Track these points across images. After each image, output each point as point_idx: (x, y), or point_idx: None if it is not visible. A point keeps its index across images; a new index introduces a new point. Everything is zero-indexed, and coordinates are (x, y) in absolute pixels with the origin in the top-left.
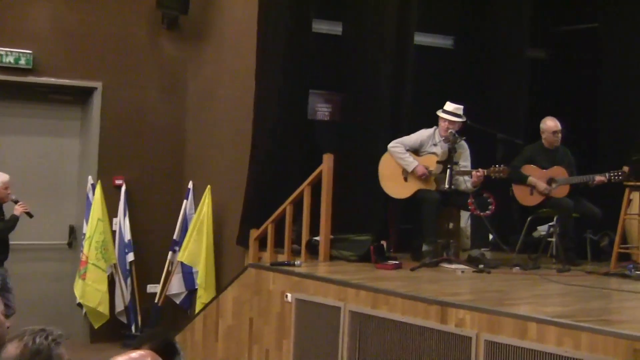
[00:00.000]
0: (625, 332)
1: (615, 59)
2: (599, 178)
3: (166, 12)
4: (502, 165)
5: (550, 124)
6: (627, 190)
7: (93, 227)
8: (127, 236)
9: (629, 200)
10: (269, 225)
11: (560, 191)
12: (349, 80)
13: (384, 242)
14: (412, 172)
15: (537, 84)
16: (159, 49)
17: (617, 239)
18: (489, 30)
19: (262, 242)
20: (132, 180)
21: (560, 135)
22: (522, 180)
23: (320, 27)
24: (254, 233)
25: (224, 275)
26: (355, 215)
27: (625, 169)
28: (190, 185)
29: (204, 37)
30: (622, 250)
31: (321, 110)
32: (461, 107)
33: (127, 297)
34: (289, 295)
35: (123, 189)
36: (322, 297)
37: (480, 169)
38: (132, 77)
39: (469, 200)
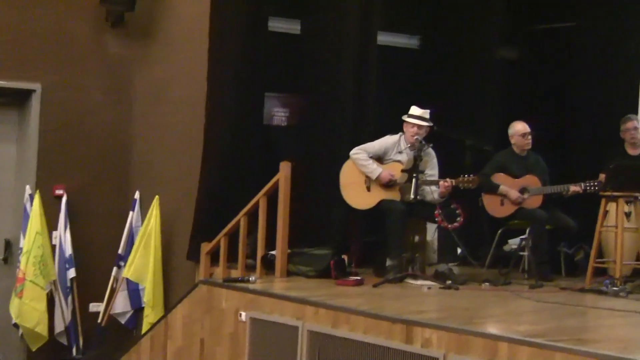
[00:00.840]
0: (601, 352)
1: (592, 60)
2: (573, 188)
3: (111, 8)
4: (471, 175)
5: (518, 127)
6: (603, 201)
7: (31, 241)
8: (68, 251)
9: (606, 212)
10: (221, 239)
11: (533, 201)
12: (307, 82)
13: (344, 257)
14: (377, 179)
15: (509, 87)
16: (103, 47)
17: (593, 252)
18: (457, 29)
19: (214, 257)
20: (74, 190)
21: (530, 137)
22: (493, 189)
23: (277, 25)
24: (206, 247)
25: (173, 292)
26: (315, 227)
27: (602, 178)
28: (136, 195)
29: (152, 35)
30: (598, 265)
31: (278, 114)
32: (428, 111)
33: (68, 316)
34: (243, 313)
35: (64, 199)
36: (278, 316)
37: (448, 179)
38: (74, 78)
39: (435, 212)
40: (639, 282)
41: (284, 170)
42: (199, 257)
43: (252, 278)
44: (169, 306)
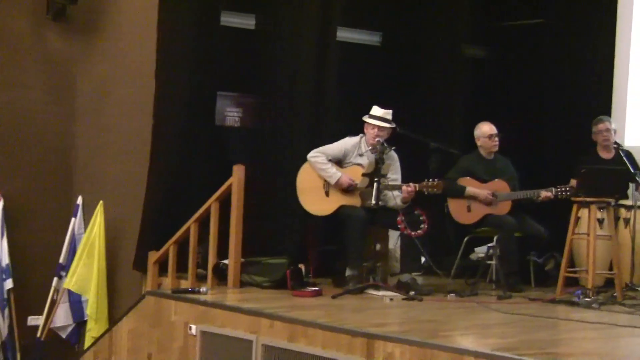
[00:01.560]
0: None
1: (563, 59)
2: (544, 193)
3: (52, 1)
4: (436, 180)
5: (485, 128)
6: (575, 207)
7: None
8: (5, 260)
9: (577, 218)
10: (170, 247)
11: (501, 208)
12: (263, 81)
13: (302, 266)
14: (336, 184)
15: (475, 86)
16: (44, 43)
17: (564, 261)
18: (421, 25)
19: (162, 266)
20: (11, 195)
21: (497, 139)
22: (459, 193)
23: (231, 20)
24: (153, 256)
25: (118, 304)
26: (270, 235)
27: (573, 183)
28: (79, 200)
29: (96, 30)
30: (569, 274)
31: (231, 114)
32: (390, 112)
33: (5, 330)
34: (194, 327)
35: (0, 205)
36: (231, 329)
37: (411, 184)
38: (12, 76)
39: (398, 218)
40: (612, 293)
41: (238, 173)
42: (146, 266)
43: (203, 289)
44: (113, 319)
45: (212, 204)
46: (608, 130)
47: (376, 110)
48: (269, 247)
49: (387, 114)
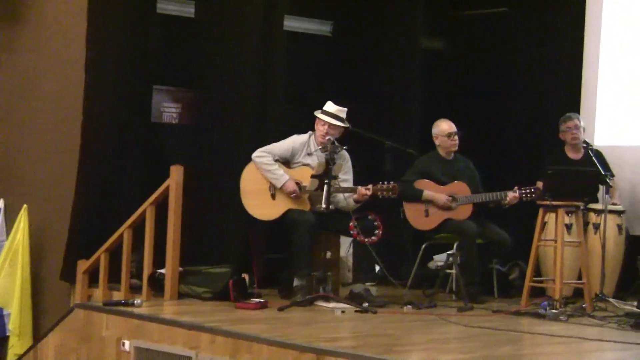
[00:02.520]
0: None
1: (528, 51)
2: (511, 194)
3: None
4: (391, 183)
5: (443, 126)
6: (541, 211)
7: None
8: None
9: (544, 223)
10: (101, 255)
11: (462, 212)
12: (202, 73)
13: (245, 276)
14: (282, 188)
15: (433, 80)
16: None
17: (530, 270)
18: (375, 14)
19: (92, 277)
20: None
21: (456, 138)
22: (416, 197)
23: (167, 7)
24: (83, 265)
25: (43, 318)
26: (211, 241)
27: (539, 185)
28: (0, 204)
29: (19, 18)
30: (535, 284)
31: (168, 110)
32: (345, 109)
33: None
34: (127, 342)
35: None
36: (168, 345)
37: (370, 186)
38: None
39: (350, 224)
40: (581, 304)
41: (176, 175)
42: (75, 276)
43: (137, 301)
44: (39, 335)
45: (147, 208)
46: (577, 127)
47: (330, 106)
48: (210, 255)
49: (341, 111)
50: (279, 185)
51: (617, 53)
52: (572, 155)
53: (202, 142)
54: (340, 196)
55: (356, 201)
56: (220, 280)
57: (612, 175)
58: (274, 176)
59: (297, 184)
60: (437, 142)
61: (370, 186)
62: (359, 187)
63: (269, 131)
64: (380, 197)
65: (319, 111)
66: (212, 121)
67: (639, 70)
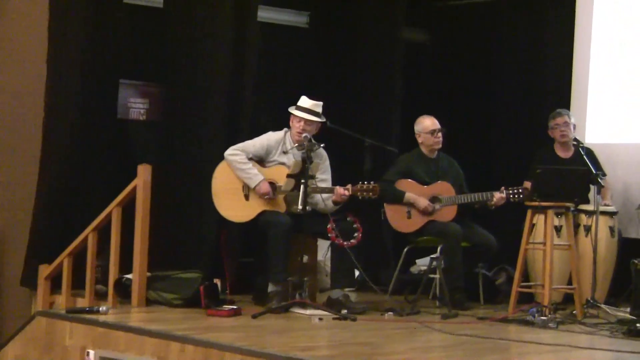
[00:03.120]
0: None
1: (516, 44)
2: (498, 195)
3: None
4: (371, 182)
5: (426, 122)
6: (529, 213)
7: None
8: None
9: (532, 225)
10: (64, 260)
11: (446, 213)
12: (172, 67)
13: (217, 281)
14: (255, 188)
15: (416, 75)
16: None
17: (517, 275)
18: (353, 4)
19: (55, 282)
20: None
21: (440, 135)
22: (397, 198)
23: None
24: (45, 270)
25: (3, 326)
26: (181, 245)
27: (527, 184)
28: None
29: None
30: (523, 290)
31: (135, 106)
32: (320, 104)
33: None
34: (91, 352)
35: None
36: (135, 354)
37: (349, 186)
38: None
39: (328, 226)
40: (571, 311)
41: (143, 174)
42: (36, 282)
43: (102, 308)
44: None
45: (113, 209)
46: (566, 124)
47: (304, 101)
48: (180, 259)
49: (316, 106)
50: (252, 185)
51: (610, 47)
52: (562, 153)
53: (171, 139)
54: (318, 197)
55: (335, 202)
56: (190, 285)
57: (604, 175)
58: (247, 176)
59: (272, 184)
60: (419, 139)
61: (349, 186)
62: (338, 187)
63: (242, 128)
64: (360, 197)
65: (293, 107)
66: (182, 117)
67: (631, 66)
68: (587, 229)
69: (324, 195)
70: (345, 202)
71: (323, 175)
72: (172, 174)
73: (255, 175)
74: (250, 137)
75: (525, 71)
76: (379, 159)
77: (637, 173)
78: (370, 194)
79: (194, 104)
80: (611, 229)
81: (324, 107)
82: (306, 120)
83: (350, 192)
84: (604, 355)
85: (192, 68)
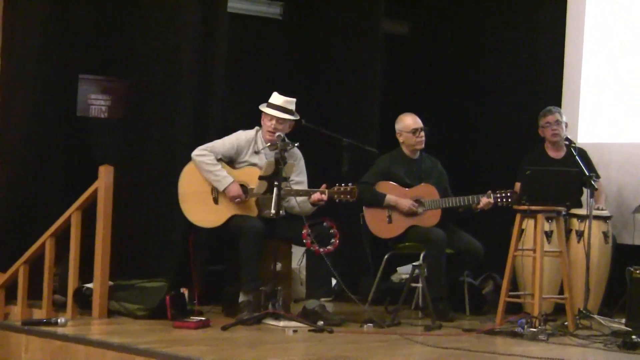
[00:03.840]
0: None
1: (505, 37)
2: (484, 200)
3: None
4: (349, 184)
5: (408, 120)
6: (518, 217)
7: None
8: None
9: (521, 231)
10: (20, 268)
11: (429, 218)
12: (135, 60)
13: (184, 290)
14: (224, 191)
15: (397, 70)
16: None
17: (505, 283)
18: None
19: (10, 292)
20: None
21: (423, 134)
22: (377, 201)
23: None
24: None
25: None
26: (145, 252)
27: (517, 187)
28: None
29: None
30: (511, 300)
31: (96, 103)
32: (293, 100)
33: None
34: None
35: None
36: None
37: (326, 190)
38: None
39: (303, 231)
40: (563, 322)
41: (105, 176)
42: None
43: (61, 320)
44: None
45: (72, 213)
46: (558, 122)
47: (276, 98)
48: (144, 266)
49: (289, 102)
50: (221, 188)
51: (603, 43)
52: (553, 153)
53: (135, 138)
54: (293, 200)
55: (312, 204)
56: (155, 295)
57: (598, 177)
58: (215, 178)
59: (243, 186)
60: (400, 139)
61: (324, 187)
62: (313, 189)
63: (211, 126)
64: (337, 201)
65: (264, 104)
66: (146, 115)
67: (627, 64)
68: (580, 234)
69: (299, 199)
70: (321, 205)
71: (298, 177)
72: (136, 176)
73: (224, 178)
74: (220, 136)
75: (513, 66)
76: (357, 160)
77: (632, 174)
78: (348, 196)
79: (160, 100)
80: (605, 235)
81: (298, 103)
82: (278, 119)
83: (327, 196)
84: None
85: (157, 62)
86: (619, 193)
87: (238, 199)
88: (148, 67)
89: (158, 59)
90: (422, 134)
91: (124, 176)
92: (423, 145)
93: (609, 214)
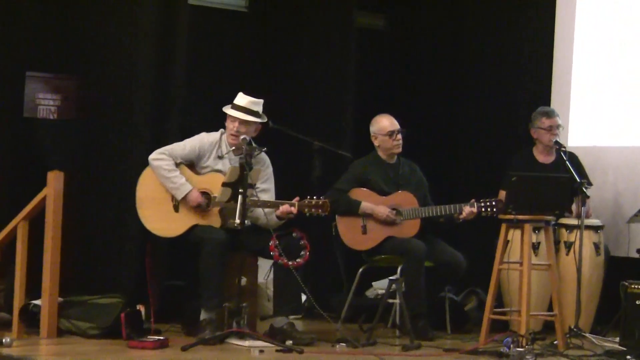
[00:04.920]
0: None
1: (489, 31)
2: (467, 209)
3: None
4: (321, 198)
5: (383, 122)
6: (503, 227)
7: None
8: None
9: (506, 242)
10: None
11: (407, 228)
12: (88, 57)
13: (141, 307)
14: (184, 199)
15: (372, 67)
16: None
17: (490, 299)
18: None
19: None
20: None
21: (400, 137)
22: (352, 209)
23: None
24: None
25: None
26: (98, 265)
27: (502, 195)
28: None
29: None
30: (496, 317)
31: (45, 103)
32: (260, 101)
33: None
34: None
35: None
36: None
37: (296, 202)
38: None
39: (271, 243)
40: (552, 341)
41: (54, 182)
42: None
43: (6, 339)
44: None
45: (18, 223)
46: (558, 127)
47: (240, 99)
48: (97, 281)
49: (255, 103)
50: (179, 196)
51: (595, 37)
52: (543, 158)
53: (87, 141)
54: (259, 210)
55: (279, 217)
56: (109, 313)
57: (590, 184)
58: (173, 185)
59: (206, 193)
60: (376, 142)
61: (295, 201)
62: (282, 201)
63: (170, 128)
64: (307, 215)
65: (229, 106)
66: (100, 115)
67: (621, 63)
68: (569, 245)
69: (266, 209)
70: (290, 219)
71: (265, 184)
72: (88, 182)
73: (183, 185)
74: (180, 139)
75: (499, 63)
76: (329, 165)
77: (627, 180)
78: (320, 210)
79: (115, 99)
80: (596, 246)
81: (265, 104)
82: (241, 121)
83: (297, 209)
84: None
85: (112, 57)
86: (613, 201)
87: (199, 207)
88: (102, 64)
89: (112, 54)
90: (400, 136)
91: (74, 182)
92: (400, 149)
93: (600, 224)
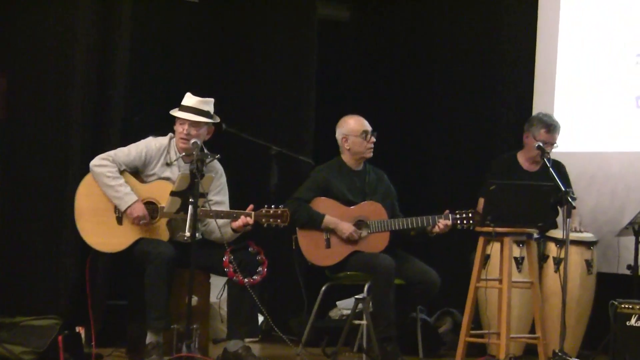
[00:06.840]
0: None
1: (465, 26)
2: (443, 222)
3: None
4: (280, 207)
5: (353, 124)
6: (481, 241)
7: None
8: None
9: (485, 257)
10: None
11: (375, 242)
12: (17, 51)
13: (80, 329)
14: (127, 212)
15: (335, 63)
16: None
17: (466, 320)
18: None
19: None
20: None
21: (373, 140)
22: (314, 222)
23: None
24: None
25: None
26: (32, 283)
27: (480, 205)
28: None
29: None
30: (472, 340)
31: None
32: (211, 100)
33: None
34: None
35: None
36: None
37: (252, 212)
38: None
39: (224, 258)
40: None
41: None
42: None
43: None
44: None
45: None
46: (553, 145)
47: (188, 99)
48: (31, 301)
49: (205, 103)
50: (122, 207)
51: (581, 30)
52: (528, 165)
53: (18, 144)
54: (212, 224)
55: (234, 230)
56: (45, 335)
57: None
58: (116, 194)
59: (152, 204)
60: (346, 145)
61: (251, 209)
62: (237, 211)
63: (111, 131)
64: (265, 226)
65: (176, 109)
66: (32, 116)
67: (601, 65)
68: (558, 262)
69: (220, 221)
70: (247, 231)
71: (218, 196)
72: (20, 190)
73: (127, 195)
74: (123, 143)
75: (475, 61)
76: (288, 171)
77: (612, 191)
78: (279, 220)
79: (48, 98)
80: (588, 264)
81: (217, 104)
82: (191, 122)
83: (254, 220)
84: None
85: (44, 52)
86: (603, 213)
87: (143, 221)
88: (33, 59)
89: (45, 49)
90: (373, 139)
91: (3, 190)
92: (371, 154)
93: (594, 239)
